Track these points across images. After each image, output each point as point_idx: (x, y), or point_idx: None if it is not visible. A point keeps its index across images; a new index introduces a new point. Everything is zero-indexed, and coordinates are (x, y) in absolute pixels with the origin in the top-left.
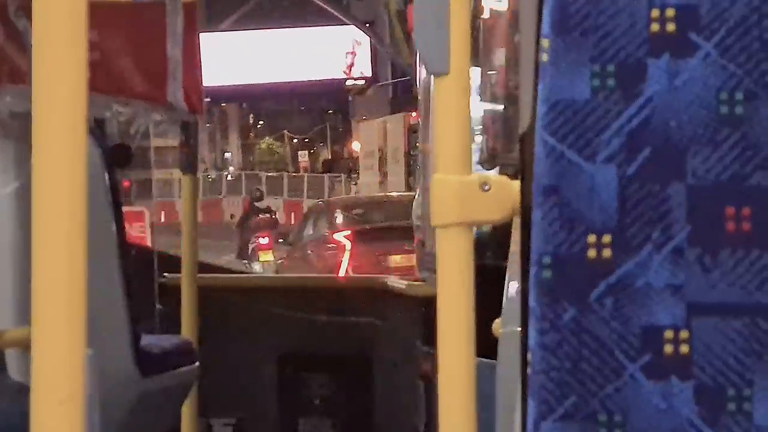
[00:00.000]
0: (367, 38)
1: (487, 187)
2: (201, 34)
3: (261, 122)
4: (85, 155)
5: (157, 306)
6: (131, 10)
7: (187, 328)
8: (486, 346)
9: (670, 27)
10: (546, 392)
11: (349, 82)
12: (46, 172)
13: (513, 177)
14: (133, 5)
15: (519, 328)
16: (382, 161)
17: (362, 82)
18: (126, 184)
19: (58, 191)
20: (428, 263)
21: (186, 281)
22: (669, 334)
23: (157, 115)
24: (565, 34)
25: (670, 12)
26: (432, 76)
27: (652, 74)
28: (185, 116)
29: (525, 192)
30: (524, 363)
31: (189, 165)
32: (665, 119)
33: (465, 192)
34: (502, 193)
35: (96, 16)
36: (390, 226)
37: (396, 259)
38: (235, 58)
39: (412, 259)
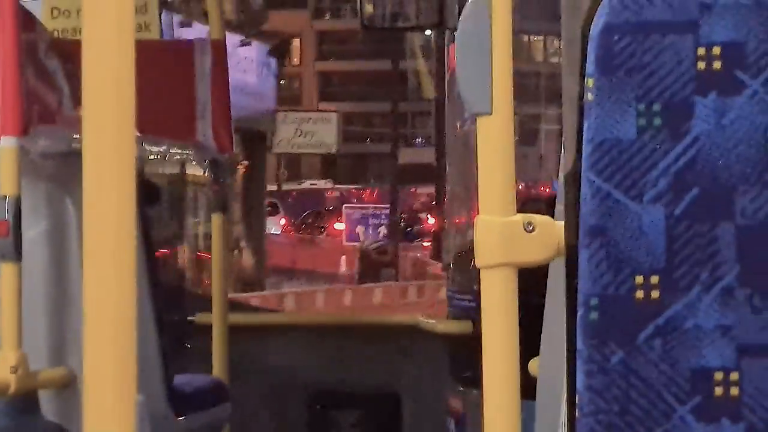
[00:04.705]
0: None
1: (531, 228)
2: None
3: None
4: (134, 193)
5: (188, 345)
6: (160, 49)
7: (218, 367)
8: (525, 385)
9: (717, 65)
10: None
11: None
12: (96, 210)
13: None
14: (162, 43)
15: (559, 369)
16: None
17: None
18: None
19: (108, 227)
20: (457, 300)
21: (217, 320)
22: (719, 375)
23: (187, 153)
24: (610, 73)
25: (717, 50)
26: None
27: (699, 113)
28: (215, 155)
29: (570, 232)
30: (572, 405)
31: (219, 204)
32: (713, 158)
33: (509, 233)
34: (547, 234)
35: None
36: None
37: None
38: None
39: None
